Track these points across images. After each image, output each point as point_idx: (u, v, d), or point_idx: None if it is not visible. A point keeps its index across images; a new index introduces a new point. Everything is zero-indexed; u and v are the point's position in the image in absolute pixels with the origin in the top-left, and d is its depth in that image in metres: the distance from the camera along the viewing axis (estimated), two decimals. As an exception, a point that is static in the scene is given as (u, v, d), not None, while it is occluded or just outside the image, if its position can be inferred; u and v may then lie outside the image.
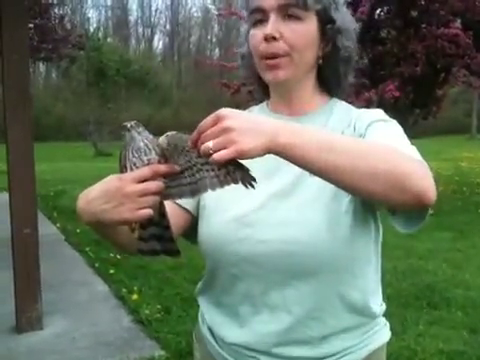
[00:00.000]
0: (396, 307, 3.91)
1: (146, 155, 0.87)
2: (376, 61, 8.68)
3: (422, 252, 5.65)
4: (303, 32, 1.03)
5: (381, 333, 1.14)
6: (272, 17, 1.02)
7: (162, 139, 0.89)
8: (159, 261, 5.11)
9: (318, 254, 0.97)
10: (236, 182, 0.84)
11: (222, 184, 0.85)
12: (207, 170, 0.86)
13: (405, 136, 1.01)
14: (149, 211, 0.86)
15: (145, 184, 0.86)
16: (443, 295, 4.22)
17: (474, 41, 7.78)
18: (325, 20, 1.05)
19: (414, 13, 8.55)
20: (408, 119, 9.44)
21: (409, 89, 8.70)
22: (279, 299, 1.02)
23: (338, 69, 1.09)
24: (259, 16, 1.05)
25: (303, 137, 0.81)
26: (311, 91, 1.11)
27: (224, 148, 0.78)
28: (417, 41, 7.97)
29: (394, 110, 8.94)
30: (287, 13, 1.02)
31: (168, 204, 0.98)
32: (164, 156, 0.89)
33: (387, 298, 3.90)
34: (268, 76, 1.07)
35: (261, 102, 1.21)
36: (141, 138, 0.87)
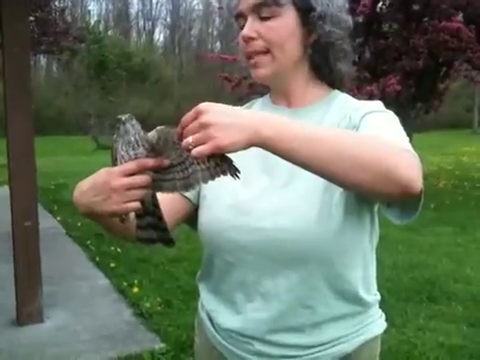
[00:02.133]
0: (396, 301, 3.93)
1: (134, 150, 0.89)
2: (378, 55, 8.67)
3: (423, 246, 5.65)
4: (279, 27, 1.04)
5: (375, 324, 1.15)
6: (249, 19, 1.06)
7: (152, 134, 0.91)
8: (159, 254, 5.12)
9: (308, 243, 1.00)
10: (225, 173, 0.85)
11: (213, 176, 0.87)
12: (198, 163, 0.87)
13: (400, 127, 1.01)
14: (136, 204, 0.89)
15: (132, 178, 0.88)
16: (443, 289, 4.22)
17: (476, 35, 7.76)
18: (304, 9, 1.05)
19: (416, 7, 8.53)
20: (410, 113, 9.43)
21: (411, 83, 8.69)
22: (271, 287, 1.05)
23: (328, 56, 1.09)
24: (242, 20, 1.08)
25: (286, 130, 0.82)
26: (305, 83, 1.12)
27: (203, 143, 0.79)
28: (419, 35, 7.95)
29: (396, 104, 8.95)
30: (261, 12, 1.04)
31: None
32: (154, 150, 0.90)
33: (387, 292, 3.93)
34: (253, 75, 1.10)
35: (264, 94, 1.23)
36: (134, 132, 0.89)
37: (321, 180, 0.92)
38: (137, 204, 0.89)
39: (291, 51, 1.06)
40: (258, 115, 0.85)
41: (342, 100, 1.12)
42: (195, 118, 0.81)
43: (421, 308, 3.86)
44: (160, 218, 0.98)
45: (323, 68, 1.10)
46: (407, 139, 0.97)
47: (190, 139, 0.80)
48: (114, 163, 0.91)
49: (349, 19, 1.10)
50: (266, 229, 1.02)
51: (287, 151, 0.82)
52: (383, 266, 4.52)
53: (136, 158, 0.89)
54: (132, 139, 0.88)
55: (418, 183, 0.82)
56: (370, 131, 0.98)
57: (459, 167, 12.97)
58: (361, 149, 0.82)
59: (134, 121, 0.89)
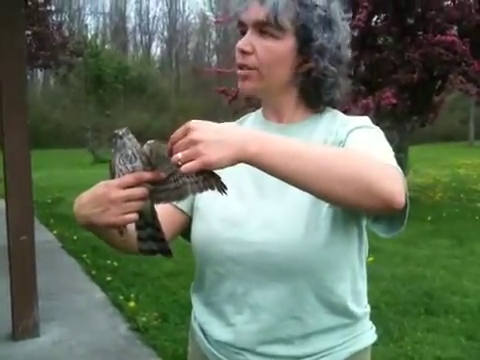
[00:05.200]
0: (394, 314, 3.91)
1: (131, 163, 0.91)
2: (373, 68, 8.72)
3: (420, 259, 5.64)
4: (275, 50, 1.05)
5: (365, 336, 1.16)
6: (249, 31, 1.07)
7: (145, 147, 0.94)
8: (156, 268, 5.10)
9: (295, 257, 1.01)
10: (212, 188, 0.88)
11: (201, 190, 0.90)
12: (187, 176, 0.90)
13: (385, 143, 1.04)
14: (134, 216, 0.91)
15: (129, 190, 0.91)
16: (441, 302, 4.21)
17: (470, 48, 7.82)
18: (305, 38, 1.06)
19: (411, 20, 8.60)
20: (405, 126, 9.47)
21: (406, 96, 8.72)
22: (260, 299, 1.06)
23: (319, 87, 1.10)
24: (242, 28, 1.09)
25: (271, 145, 0.85)
26: (295, 103, 1.14)
27: (192, 160, 0.82)
28: (414, 48, 8.01)
29: (391, 117, 8.98)
30: (262, 30, 1.05)
31: (165, 205, 1.03)
32: (150, 164, 0.93)
33: (385, 305, 3.93)
34: (239, 85, 1.12)
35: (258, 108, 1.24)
36: (130, 145, 0.91)
37: (309, 200, 0.97)
38: (135, 216, 0.92)
39: (280, 75, 1.08)
40: (244, 131, 0.88)
41: (330, 116, 1.14)
42: (184, 134, 0.84)
43: (419, 321, 3.84)
44: (158, 229, 1.00)
45: (312, 96, 1.12)
46: (392, 154, 0.99)
47: (179, 155, 0.83)
48: (112, 177, 0.94)
49: (348, 53, 1.12)
50: (255, 242, 1.04)
51: (272, 166, 0.85)
52: (380, 279, 4.51)
53: (134, 171, 0.91)
54: (129, 152, 0.91)
55: (401, 197, 0.84)
56: (355, 147, 1.00)
57: (456, 179, 12.99)
58: (344, 164, 0.85)
59: (130, 135, 0.92)
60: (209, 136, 0.82)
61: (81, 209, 0.95)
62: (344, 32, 1.10)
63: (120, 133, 0.90)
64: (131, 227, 0.99)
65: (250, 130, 0.90)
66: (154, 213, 0.99)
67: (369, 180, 0.83)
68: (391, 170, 0.88)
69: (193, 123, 0.84)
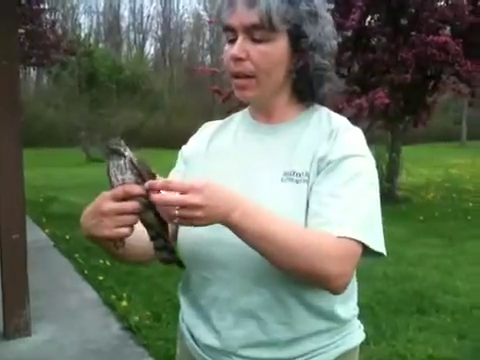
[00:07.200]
0: (386, 313, 3.92)
1: (122, 174, 0.91)
2: (366, 68, 8.75)
3: (412, 258, 5.66)
4: (270, 53, 1.03)
5: (353, 336, 1.16)
6: (240, 37, 1.03)
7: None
8: (149, 267, 5.07)
9: None
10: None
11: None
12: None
13: (370, 185, 1.03)
14: (127, 230, 0.91)
15: (120, 204, 0.90)
16: (433, 301, 4.23)
17: (463, 49, 7.85)
18: (297, 36, 1.04)
19: (404, 21, 8.64)
20: (398, 126, 9.50)
21: (399, 96, 8.76)
22: (245, 304, 1.05)
23: (312, 82, 1.09)
24: (231, 34, 1.06)
25: (248, 223, 0.91)
26: (286, 101, 1.13)
27: (186, 219, 0.86)
28: (407, 48, 8.04)
29: (384, 117, 9.01)
30: (254, 34, 1.02)
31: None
32: (141, 176, 0.92)
33: (377, 304, 3.94)
34: (237, 94, 1.09)
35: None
36: (124, 156, 0.91)
37: (297, 200, 1.01)
38: (128, 230, 0.91)
39: (276, 77, 1.07)
40: (235, 200, 0.91)
41: (321, 115, 1.13)
42: (187, 191, 0.85)
43: (411, 320, 3.86)
44: (166, 240, 1.01)
45: (306, 92, 1.11)
46: (374, 196, 1.03)
47: (176, 212, 0.85)
48: (111, 187, 0.93)
49: (335, 45, 1.11)
50: (236, 244, 1.00)
51: (243, 239, 0.93)
52: (372, 278, 4.52)
53: (124, 183, 0.90)
54: (121, 163, 0.90)
55: (342, 289, 0.97)
56: (335, 198, 0.99)
57: (448, 179, 13.04)
58: (303, 262, 0.92)
59: (124, 146, 0.91)
60: (210, 204, 0.86)
61: (83, 220, 0.95)
62: (329, 23, 1.09)
63: (113, 145, 0.90)
64: (132, 238, 0.97)
65: (241, 199, 0.92)
66: (163, 224, 0.98)
67: (320, 278, 0.94)
68: (345, 257, 0.95)
69: (201, 185, 0.86)
